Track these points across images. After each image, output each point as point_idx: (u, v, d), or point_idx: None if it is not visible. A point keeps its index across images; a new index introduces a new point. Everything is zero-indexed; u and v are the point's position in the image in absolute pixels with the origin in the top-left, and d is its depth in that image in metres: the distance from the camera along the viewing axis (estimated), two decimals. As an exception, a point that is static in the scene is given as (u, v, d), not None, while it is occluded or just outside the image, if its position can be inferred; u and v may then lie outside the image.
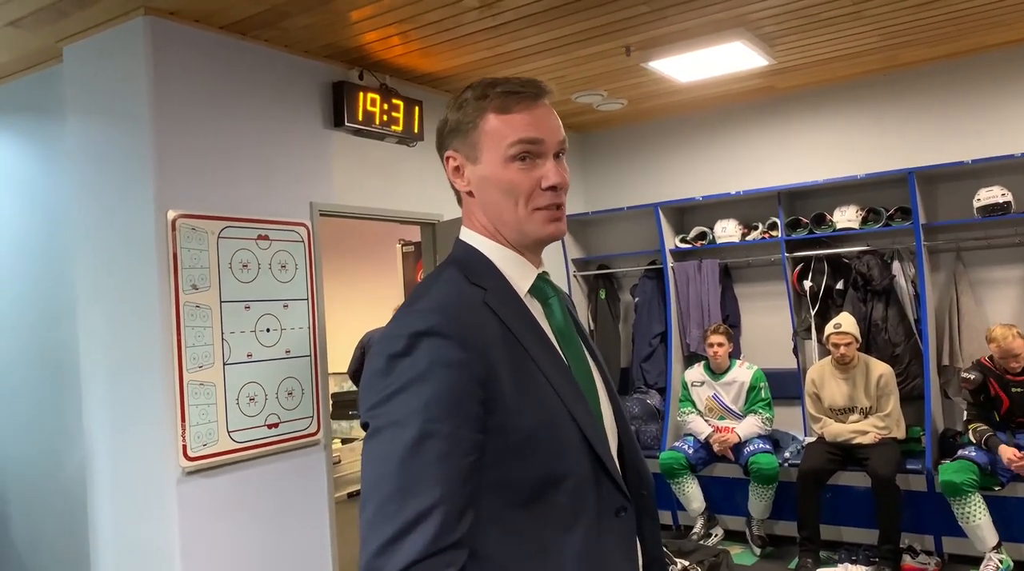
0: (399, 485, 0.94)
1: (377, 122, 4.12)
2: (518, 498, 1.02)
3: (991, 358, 4.02)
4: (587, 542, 1.06)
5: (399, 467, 0.94)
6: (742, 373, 4.81)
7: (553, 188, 1.11)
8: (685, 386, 5.00)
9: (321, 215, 3.92)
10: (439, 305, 1.04)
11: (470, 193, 1.15)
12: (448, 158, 1.16)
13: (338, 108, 3.98)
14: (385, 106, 4.16)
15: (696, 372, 4.97)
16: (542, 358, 1.07)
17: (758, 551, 4.52)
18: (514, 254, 1.15)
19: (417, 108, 4.33)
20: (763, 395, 4.74)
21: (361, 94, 4.04)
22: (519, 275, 1.15)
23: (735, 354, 5.05)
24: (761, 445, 4.59)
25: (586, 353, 1.19)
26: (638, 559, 1.16)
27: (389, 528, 0.92)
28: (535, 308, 1.15)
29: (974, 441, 3.98)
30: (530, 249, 1.16)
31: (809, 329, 4.96)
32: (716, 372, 4.87)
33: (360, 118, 4.03)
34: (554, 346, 1.12)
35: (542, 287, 1.17)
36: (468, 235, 1.18)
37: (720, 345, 4.79)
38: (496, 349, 1.03)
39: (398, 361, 0.99)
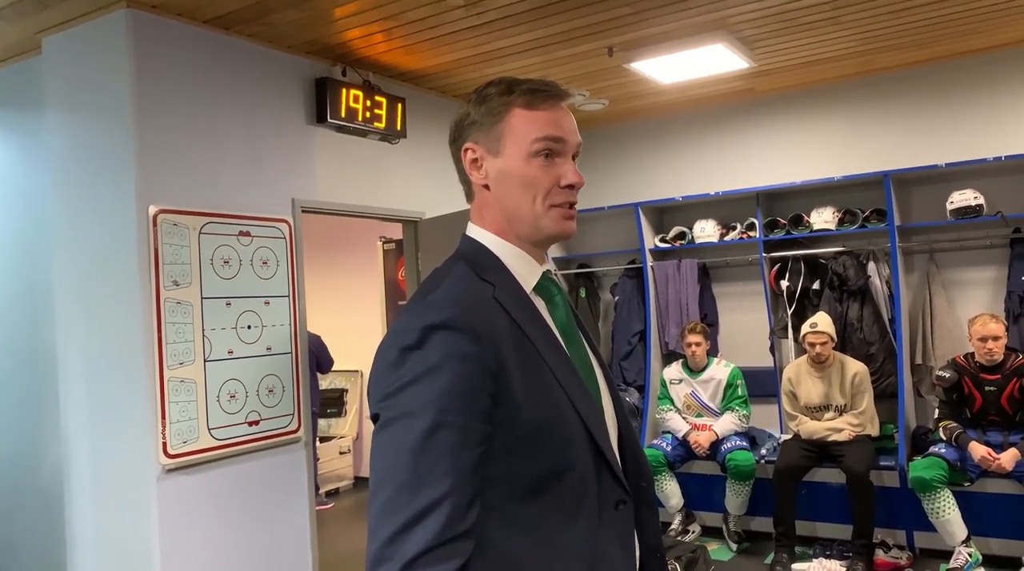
0: (410, 475, 0.95)
1: (360, 119, 4.11)
2: (522, 490, 1.04)
3: (966, 357, 4.11)
4: (587, 534, 1.08)
5: (411, 458, 0.96)
6: (719, 371, 4.87)
7: (571, 187, 1.14)
8: (664, 384, 5.06)
9: (303, 212, 3.91)
10: (452, 298, 1.06)
11: (486, 186, 1.16)
12: (466, 150, 1.17)
13: (321, 104, 3.97)
14: (368, 103, 4.15)
15: (674, 370, 5.02)
16: (548, 353, 1.09)
17: (735, 546, 4.58)
18: (521, 252, 1.17)
19: (400, 105, 4.33)
20: (740, 392, 4.81)
21: (344, 90, 4.03)
22: (526, 272, 1.16)
23: (713, 352, 5.11)
24: (738, 442, 4.65)
25: (587, 348, 1.21)
26: (635, 551, 1.18)
27: (400, 518, 0.94)
28: (539, 304, 1.17)
29: (944, 438, 4.07)
30: (539, 245, 1.18)
31: (786, 328, 5.04)
32: (694, 370, 4.92)
33: (343, 114, 4.02)
34: (559, 341, 1.14)
35: (547, 285, 1.19)
36: (476, 232, 1.19)
37: (698, 344, 4.84)
38: (506, 344, 1.04)
39: (410, 353, 1.00)
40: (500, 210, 1.16)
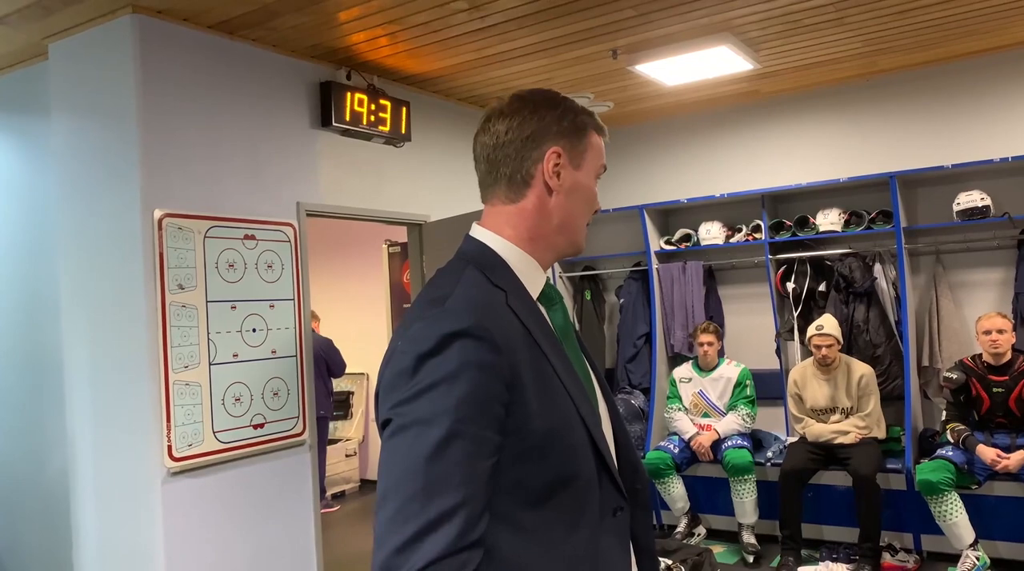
0: (423, 484, 0.94)
1: (364, 122, 4.12)
2: (530, 498, 1.04)
3: (974, 358, 4.09)
4: (589, 540, 1.08)
5: (424, 466, 0.94)
6: (730, 370, 4.87)
7: (595, 211, 1.28)
8: (673, 383, 5.05)
9: (308, 215, 3.91)
10: (469, 305, 1.04)
11: (556, 192, 1.18)
12: (553, 153, 1.17)
13: (325, 108, 3.98)
14: (372, 106, 4.16)
15: (685, 369, 5.03)
16: (556, 361, 1.09)
17: (751, 559, 4.41)
18: (532, 260, 1.18)
19: (404, 109, 4.34)
20: (748, 392, 4.80)
21: (348, 94, 4.04)
22: (532, 279, 1.17)
23: (721, 354, 5.10)
24: (738, 441, 4.64)
25: (583, 354, 1.22)
26: (631, 556, 1.19)
27: (410, 527, 0.92)
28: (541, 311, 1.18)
29: (951, 441, 4.05)
30: (562, 256, 1.25)
31: (792, 330, 5.03)
32: (704, 369, 4.93)
33: (347, 118, 4.03)
34: (562, 348, 1.14)
35: (549, 292, 1.20)
36: (484, 234, 1.18)
37: (710, 344, 4.86)
38: (520, 351, 1.04)
39: (427, 360, 0.99)
40: (557, 218, 1.18)
